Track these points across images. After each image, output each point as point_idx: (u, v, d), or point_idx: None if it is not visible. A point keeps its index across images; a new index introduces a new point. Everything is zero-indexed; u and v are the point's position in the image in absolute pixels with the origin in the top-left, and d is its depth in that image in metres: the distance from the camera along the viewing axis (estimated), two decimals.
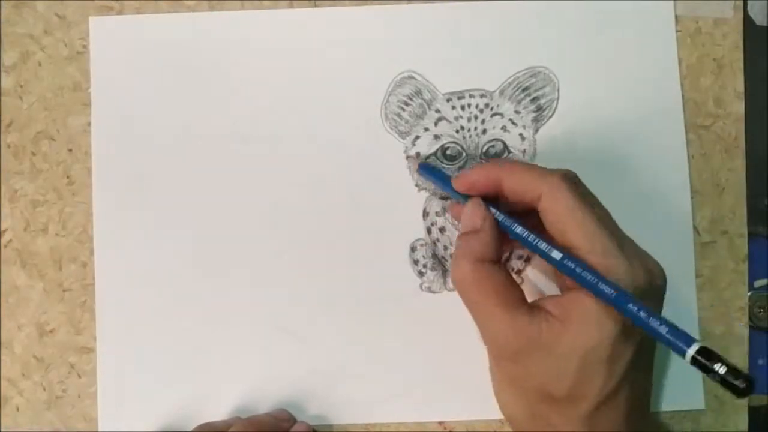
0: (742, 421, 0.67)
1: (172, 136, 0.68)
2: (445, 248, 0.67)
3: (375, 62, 0.69)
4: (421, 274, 0.67)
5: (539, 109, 0.68)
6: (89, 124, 0.68)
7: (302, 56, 0.69)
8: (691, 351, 0.49)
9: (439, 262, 0.67)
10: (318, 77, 0.69)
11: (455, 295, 0.65)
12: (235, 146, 0.68)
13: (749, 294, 0.67)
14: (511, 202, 0.59)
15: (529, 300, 0.58)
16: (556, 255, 0.55)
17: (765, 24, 0.69)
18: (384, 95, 0.68)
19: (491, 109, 0.68)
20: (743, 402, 0.67)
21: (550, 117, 0.68)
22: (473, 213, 0.59)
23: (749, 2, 0.69)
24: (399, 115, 0.68)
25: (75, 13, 0.69)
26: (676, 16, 0.68)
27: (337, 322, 0.67)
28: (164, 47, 0.69)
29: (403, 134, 0.68)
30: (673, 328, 0.50)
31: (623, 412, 0.56)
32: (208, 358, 0.67)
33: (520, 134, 0.68)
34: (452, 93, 0.68)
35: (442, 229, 0.67)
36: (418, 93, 0.68)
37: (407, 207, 0.68)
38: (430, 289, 0.67)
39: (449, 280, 0.67)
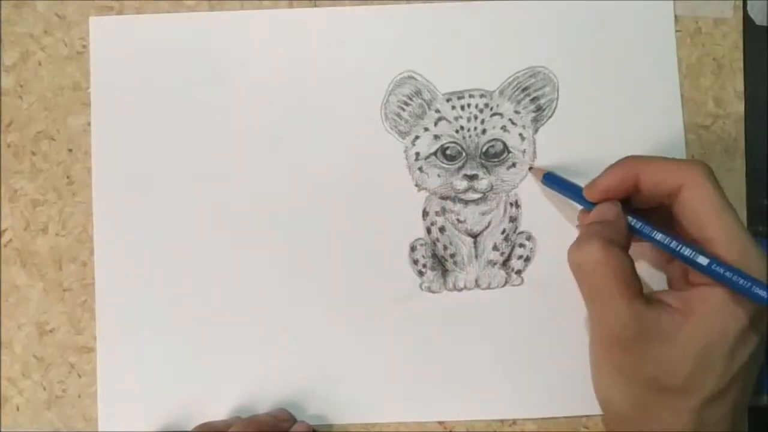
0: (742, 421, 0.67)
1: (171, 136, 0.68)
2: (445, 248, 0.68)
3: (375, 62, 0.69)
4: (420, 273, 0.67)
5: (539, 109, 0.68)
6: (89, 123, 0.68)
7: (302, 56, 0.69)
8: None
9: (439, 262, 0.67)
10: (318, 77, 0.69)
11: (455, 294, 0.66)
12: (234, 146, 0.68)
13: None
14: (643, 199, 0.60)
15: None
16: (703, 260, 0.55)
17: (765, 24, 0.69)
18: (384, 95, 0.68)
19: (491, 109, 0.68)
20: None
21: (550, 117, 0.68)
22: (607, 208, 0.59)
23: (749, 2, 0.69)
24: (399, 115, 0.68)
25: (75, 13, 0.69)
26: (675, 16, 0.69)
27: (336, 321, 0.67)
28: (164, 47, 0.69)
29: (402, 134, 0.68)
30: None
31: (730, 408, 0.56)
32: (208, 358, 0.67)
33: (520, 134, 0.68)
34: (452, 93, 0.68)
35: (441, 229, 0.67)
36: (418, 93, 0.68)
37: (407, 207, 0.68)
38: (429, 289, 0.67)
39: (449, 280, 0.67)
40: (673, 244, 0.57)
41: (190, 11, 0.69)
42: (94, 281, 0.68)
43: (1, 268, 0.68)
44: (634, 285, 0.56)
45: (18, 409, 0.68)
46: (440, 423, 0.67)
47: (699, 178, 0.56)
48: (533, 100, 0.68)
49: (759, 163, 0.68)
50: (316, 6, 0.69)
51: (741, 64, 0.69)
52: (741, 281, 0.53)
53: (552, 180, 0.66)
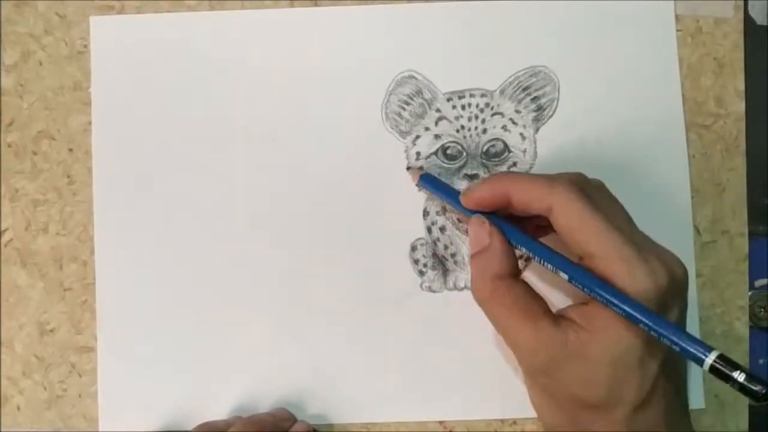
0: (743, 421, 0.67)
1: (172, 136, 0.68)
2: (446, 247, 0.67)
3: (375, 62, 0.69)
4: (421, 273, 0.67)
5: (540, 108, 0.68)
6: (90, 123, 0.68)
7: (302, 56, 0.69)
8: (710, 360, 0.49)
9: (440, 262, 0.67)
10: (318, 77, 0.69)
11: (456, 294, 0.66)
12: (235, 146, 0.68)
13: (750, 293, 0.68)
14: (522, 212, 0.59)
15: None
16: (564, 276, 0.56)
17: (765, 23, 0.69)
18: (384, 95, 0.68)
19: (492, 108, 0.68)
20: (743, 402, 0.67)
21: (551, 116, 0.68)
22: (479, 231, 0.59)
23: (749, 2, 0.69)
24: (399, 115, 0.68)
25: (75, 13, 0.69)
26: (676, 16, 0.68)
27: (337, 321, 0.67)
28: (165, 47, 0.69)
29: (403, 134, 0.68)
30: (690, 338, 0.51)
31: (662, 411, 0.55)
32: (209, 358, 0.67)
33: (521, 134, 0.68)
34: (453, 92, 0.68)
35: (442, 229, 0.67)
36: (419, 92, 0.68)
37: (407, 206, 0.68)
38: (430, 289, 0.67)
39: (450, 279, 0.67)
40: (539, 257, 0.58)
41: (190, 11, 0.69)
42: (95, 281, 0.68)
43: (1, 268, 0.68)
44: (535, 307, 0.56)
45: (18, 408, 0.68)
46: (440, 423, 0.67)
47: (565, 198, 0.55)
48: (534, 99, 0.68)
49: (759, 162, 0.69)
50: (316, 6, 0.69)
51: (742, 64, 0.69)
52: (599, 298, 0.53)
53: (429, 181, 0.65)
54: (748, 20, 0.69)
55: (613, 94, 0.68)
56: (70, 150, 0.68)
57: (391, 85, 0.68)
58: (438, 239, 0.67)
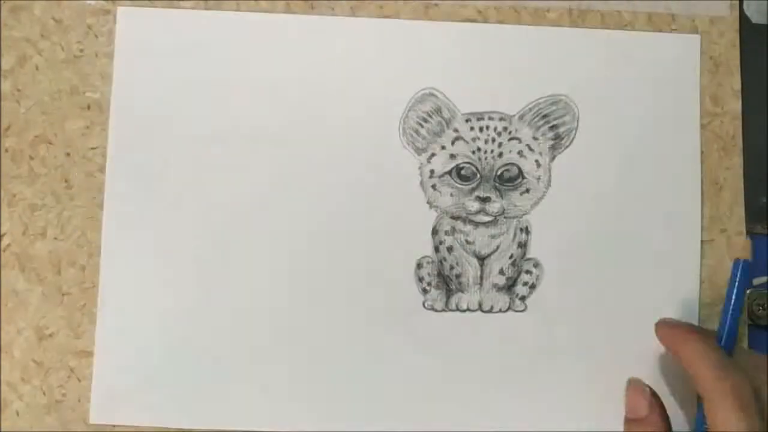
0: None
1: (180, 141, 0.68)
2: (451, 268, 0.68)
3: (397, 76, 0.68)
4: (425, 291, 0.67)
5: (557, 137, 0.68)
6: (87, 127, 0.68)
7: (324, 65, 0.69)
8: None
9: (444, 281, 0.67)
10: (339, 87, 0.69)
11: (457, 315, 0.66)
12: (246, 154, 0.68)
13: (748, 292, 0.68)
14: None
15: None
16: None
17: (761, 22, 0.70)
18: (404, 110, 0.68)
19: (509, 133, 0.68)
20: None
21: (568, 146, 0.68)
22: (637, 398, 0.59)
23: (745, 0, 0.70)
24: (417, 131, 0.68)
25: (72, 17, 0.69)
26: (672, 15, 0.69)
27: (337, 334, 0.67)
28: (183, 47, 0.69)
29: (419, 150, 0.68)
30: None
31: None
32: (209, 365, 0.67)
33: (536, 161, 0.68)
34: (472, 113, 0.68)
35: (450, 249, 0.67)
36: (438, 111, 0.68)
37: (417, 223, 0.68)
38: (432, 308, 0.67)
39: (452, 300, 0.68)
40: None
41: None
42: (93, 285, 0.67)
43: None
44: None
45: (18, 413, 0.67)
46: None
47: (717, 402, 0.55)
48: (552, 127, 0.68)
49: (757, 161, 0.69)
50: (335, 14, 0.69)
51: (738, 62, 0.70)
52: None
53: None
54: (743, 19, 0.70)
55: (632, 128, 0.68)
56: (68, 154, 0.68)
57: (411, 101, 0.68)
58: (444, 259, 0.68)
